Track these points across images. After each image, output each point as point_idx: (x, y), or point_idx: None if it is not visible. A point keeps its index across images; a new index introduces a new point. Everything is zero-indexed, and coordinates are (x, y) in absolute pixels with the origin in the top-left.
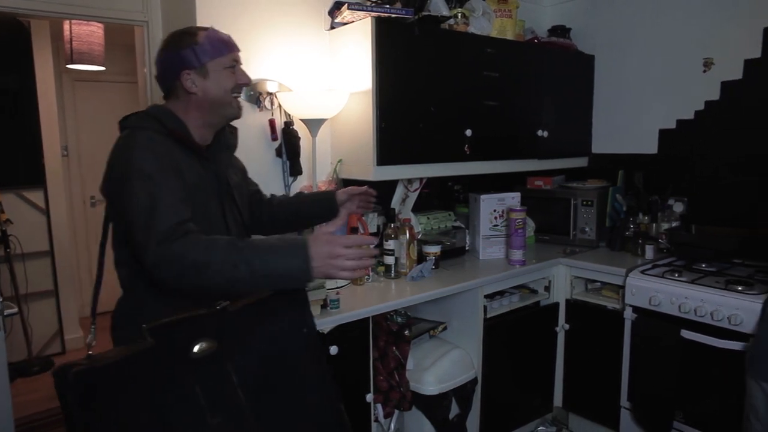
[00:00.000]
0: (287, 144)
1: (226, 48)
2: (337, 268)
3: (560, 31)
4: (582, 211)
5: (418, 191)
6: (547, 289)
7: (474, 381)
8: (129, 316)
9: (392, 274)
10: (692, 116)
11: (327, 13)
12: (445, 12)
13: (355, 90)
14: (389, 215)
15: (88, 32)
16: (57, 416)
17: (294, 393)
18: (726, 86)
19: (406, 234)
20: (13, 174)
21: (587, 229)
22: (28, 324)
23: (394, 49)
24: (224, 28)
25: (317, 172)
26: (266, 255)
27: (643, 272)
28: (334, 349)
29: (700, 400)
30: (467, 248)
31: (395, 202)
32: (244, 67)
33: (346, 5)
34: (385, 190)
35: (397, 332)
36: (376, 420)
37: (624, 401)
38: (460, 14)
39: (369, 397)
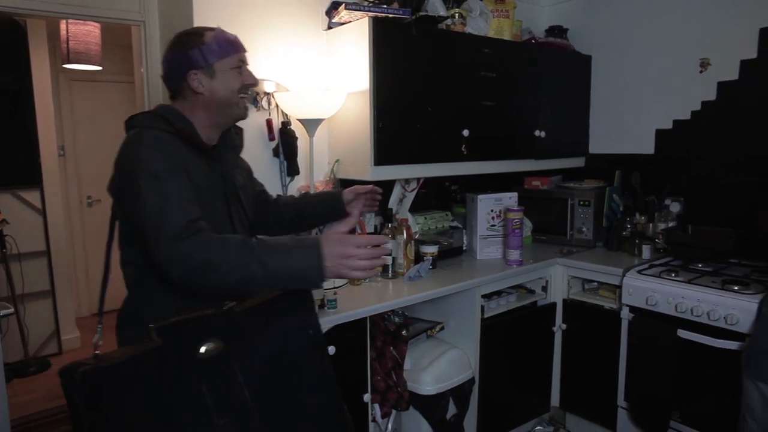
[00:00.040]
0: (284, 144)
1: (233, 48)
2: (350, 268)
3: (557, 31)
4: (579, 211)
5: (416, 191)
6: (545, 289)
7: (471, 381)
8: (135, 316)
9: (390, 274)
10: (689, 116)
11: (324, 13)
12: (443, 12)
13: (353, 90)
14: (386, 215)
15: (84, 32)
16: (54, 417)
17: (299, 393)
18: (722, 87)
19: (403, 234)
20: (9, 174)
21: (584, 229)
22: (24, 324)
23: (392, 49)
24: (221, 27)
25: (314, 172)
26: (279, 255)
27: (639, 272)
28: (331, 349)
29: (697, 400)
30: (464, 248)
31: (392, 202)
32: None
33: (343, 5)
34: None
35: (394, 332)
36: (374, 420)
37: (621, 401)
38: (457, 14)
39: (366, 397)
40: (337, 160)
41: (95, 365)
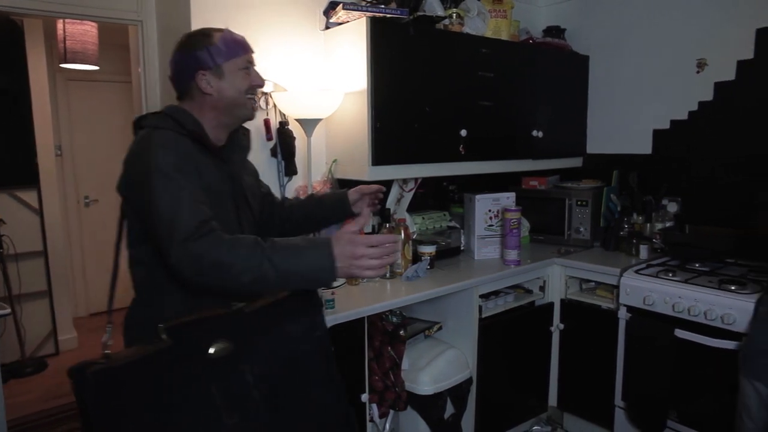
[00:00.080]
0: (282, 144)
1: (241, 49)
2: (361, 268)
3: (555, 31)
4: (577, 211)
5: (413, 191)
6: (542, 289)
7: (469, 381)
8: (143, 317)
9: (387, 274)
10: (686, 117)
11: (322, 13)
12: (440, 12)
13: (350, 90)
14: (384, 215)
15: (81, 31)
16: (51, 417)
17: (306, 394)
18: (719, 87)
19: (401, 234)
20: (6, 174)
21: (582, 229)
22: (21, 325)
23: (389, 49)
24: (223, 27)
25: (312, 172)
26: (291, 256)
27: (637, 272)
28: None
29: (694, 399)
30: (462, 248)
31: (390, 202)
32: None
33: (341, 5)
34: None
35: (392, 332)
36: (371, 420)
37: (618, 400)
38: (455, 14)
39: (364, 398)
40: (334, 160)
41: (106, 365)
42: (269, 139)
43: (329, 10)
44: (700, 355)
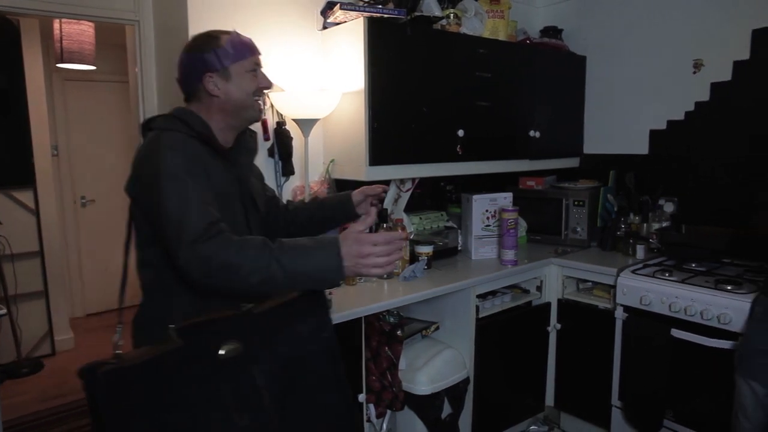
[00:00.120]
0: (279, 144)
1: (248, 51)
2: (368, 267)
3: (552, 32)
4: (573, 211)
5: (411, 191)
6: (539, 288)
7: (466, 381)
8: (152, 318)
9: (384, 275)
10: (682, 117)
11: (319, 13)
12: (438, 12)
13: (348, 90)
14: (381, 215)
15: (78, 31)
16: (46, 419)
17: (314, 395)
18: (716, 87)
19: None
20: (2, 174)
21: (579, 229)
22: (17, 325)
23: (387, 49)
24: (215, 27)
25: (309, 172)
26: (298, 256)
27: (634, 272)
28: None
29: (690, 399)
30: (459, 248)
31: (388, 203)
32: None
33: (338, 5)
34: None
35: (389, 332)
36: (369, 420)
37: (615, 400)
38: (452, 15)
39: (361, 398)
40: (332, 160)
41: (117, 365)
42: (266, 139)
43: (327, 10)
44: (697, 354)
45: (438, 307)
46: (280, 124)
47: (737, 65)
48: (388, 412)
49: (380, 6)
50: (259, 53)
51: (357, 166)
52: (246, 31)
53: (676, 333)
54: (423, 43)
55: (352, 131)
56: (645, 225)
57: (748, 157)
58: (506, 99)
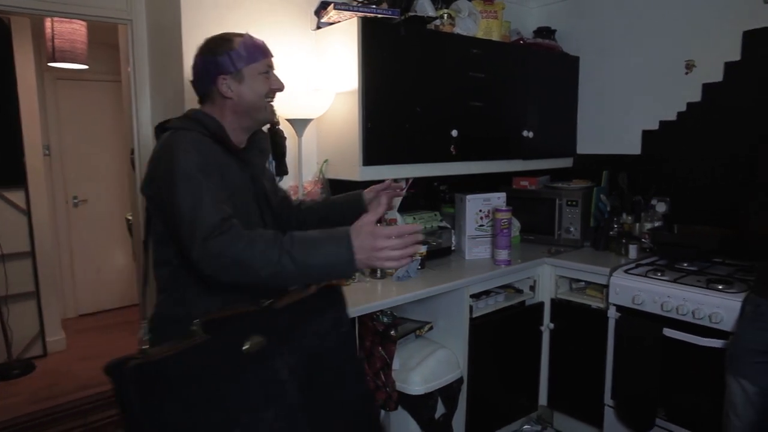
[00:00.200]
0: (273, 144)
1: (261, 54)
2: (382, 260)
3: (545, 32)
4: (567, 211)
5: (404, 191)
6: (533, 288)
7: (460, 380)
8: (170, 316)
9: (378, 274)
10: (674, 117)
11: (313, 13)
12: (431, 13)
13: (342, 90)
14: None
15: (70, 30)
16: (38, 420)
17: (335, 389)
18: (707, 88)
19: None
20: None
21: (572, 229)
22: (8, 326)
23: (381, 49)
24: (209, 27)
25: (303, 172)
26: (310, 249)
27: (626, 272)
28: None
29: (682, 398)
30: (453, 248)
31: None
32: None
33: (332, 5)
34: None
35: (383, 332)
36: None
37: (608, 399)
38: (446, 15)
39: None
40: (325, 160)
41: (143, 360)
42: None
43: (320, 10)
44: (688, 353)
45: (431, 307)
46: (274, 124)
47: (728, 66)
48: (382, 412)
49: (374, 6)
50: (272, 55)
51: (351, 166)
52: (239, 31)
53: (668, 332)
54: (417, 43)
55: (346, 131)
56: (637, 225)
57: (740, 157)
58: (500, 99)
